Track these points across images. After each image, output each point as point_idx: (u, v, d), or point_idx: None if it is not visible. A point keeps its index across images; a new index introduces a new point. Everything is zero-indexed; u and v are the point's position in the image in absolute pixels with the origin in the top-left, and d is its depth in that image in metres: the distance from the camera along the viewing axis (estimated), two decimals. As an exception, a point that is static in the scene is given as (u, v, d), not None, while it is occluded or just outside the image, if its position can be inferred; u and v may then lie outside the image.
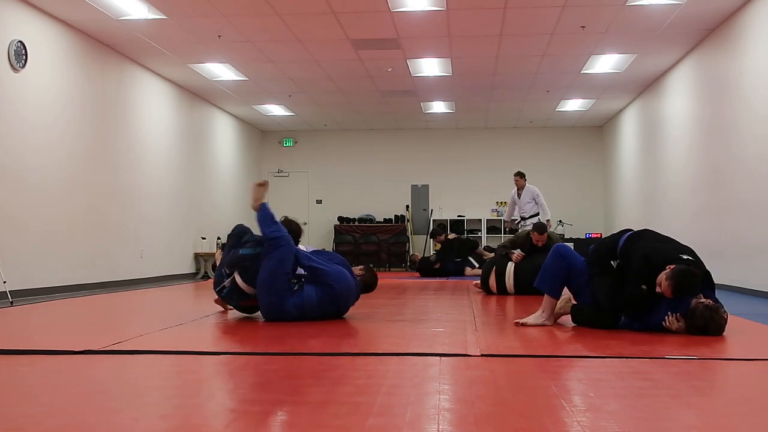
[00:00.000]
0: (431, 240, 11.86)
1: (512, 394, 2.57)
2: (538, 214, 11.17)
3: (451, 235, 11.83)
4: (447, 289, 8.29)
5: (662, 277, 3.98)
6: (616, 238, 4.47)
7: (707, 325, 3.97)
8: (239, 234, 5.12)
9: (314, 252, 5.11)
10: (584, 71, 10.92)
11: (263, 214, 4.89)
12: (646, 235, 4.45)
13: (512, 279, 7.29)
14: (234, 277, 4.83)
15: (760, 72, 7.56)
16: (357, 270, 5.10)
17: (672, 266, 3.98)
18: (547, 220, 10.96)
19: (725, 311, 4.05)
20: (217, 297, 5.24)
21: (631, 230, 4.54)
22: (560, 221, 14.61)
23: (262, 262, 4.72)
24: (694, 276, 3.96)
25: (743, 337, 4.06)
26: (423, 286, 8.82)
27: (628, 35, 9.06)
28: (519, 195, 11.40)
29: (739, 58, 8.12)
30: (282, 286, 4.68)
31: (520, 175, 11.50)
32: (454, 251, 11.54)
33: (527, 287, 7.03)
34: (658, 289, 4.01)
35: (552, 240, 7.50)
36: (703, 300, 4.02)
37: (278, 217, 5.01)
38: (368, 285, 5.14)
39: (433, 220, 16.08)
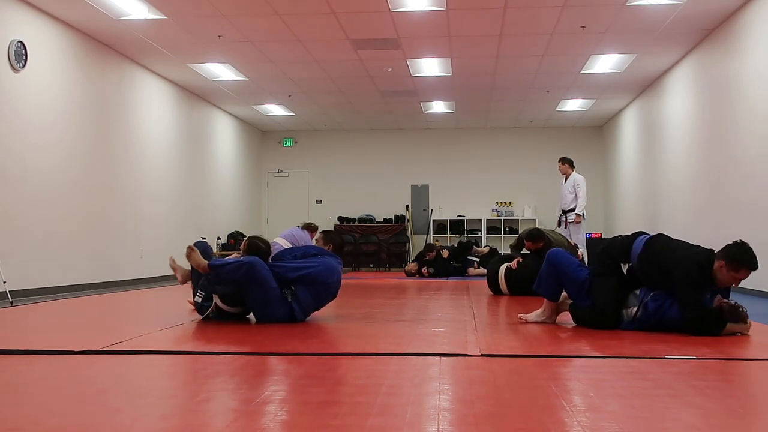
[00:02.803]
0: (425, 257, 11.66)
1: (512, 394, 2.57)
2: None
3: (444, 252, 11.63)
4: (447, 289, 8.29)
5: (721, 270, 4.01)
6: (630, 241, 4.42)
7: (734, 316, 4.06)
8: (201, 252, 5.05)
9: (285, 253, 5.06)
10: (584, 71, 10.92)
11: (217, 267, 4.63)
12: (670, 242, 4.37)
13: (505, 283, 7.35)
14: (216, 303, 4.77)
15: (760, 72, 7.56)
16: (322, 245, 5.15)
17: (722, 261, 4.01)
18: (577, 215, 10.28)
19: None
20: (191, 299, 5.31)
21: (644, 233, 4.48)
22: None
23: (246, 293, 4.63)
24: (749, 247, 4.03)
25: (743, 337, 4.06)
26: (423, 286, 8.82)
27: (628, 35, 9.06)
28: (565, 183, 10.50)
29: (739, 58, 8.12)
30: (279, 301, 4.64)
31: (562, 161, 10.55)
32: (448, 263, 11.45)
33: (520, 289, 7.15)
34: (733, 284, 4.07)
35: (552, 245, 7.39)
36: (724, 300, 4.10)
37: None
38: (341, 248, 5.29)
39: (433, 220, 16.09)
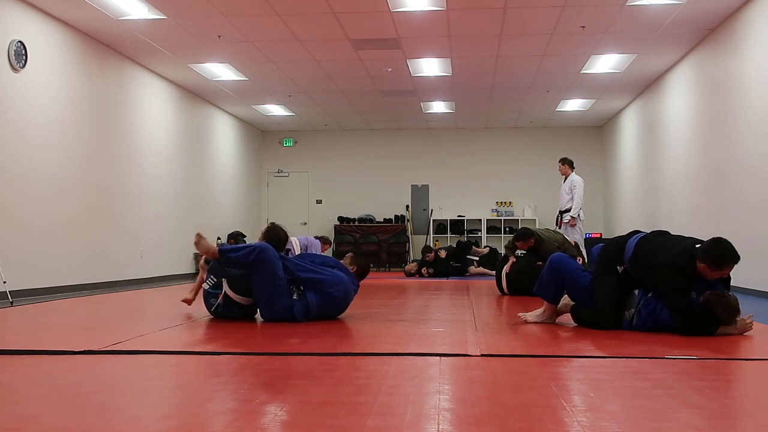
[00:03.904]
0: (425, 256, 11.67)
1: (512, 394, 2.57)
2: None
3: (442, 253, 11.64)
4: (447, 289, 8.29)
5: (706, 270, 3.98)
6: (624, 241, 4.40)
7: (721, 306, 4.00)
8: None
9: (305, 255, 5.12)
10: (584, 71, 10.92)
11: (228, 252, 4.69)
12: (657, 242, 4.31)
13: (505, 281, 7.43)
14: (225, 292, 4.78)
15: (760, 72, 7.56)
16: (347, 263, 5.14)
17: (703, 264, 3.97)
18: (572, 217, 10.24)
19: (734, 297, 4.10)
20: (186, 298, 5.40)
21: (639, 232, 4.45)
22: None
23: (252, 280, 4.67)
24: (727, 243, 3.99)
25: (743, 337, 4.06)
26: (423, 286, 8.82)
27: (628, 35, 9.06)
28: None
29: (739, 57, 8.12)
30: (284, 294, 4.66)
31: (562, 161, 10.60)
32: (448, 262, 11.44)
33: (517, 289, 7.24)
34: (715, 275, 4.02)
35: (543, 242, 7.43)
36: (709, 292, 4.06)
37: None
38: (363, 273, 5.26)
39: (433, 220, 16.09)
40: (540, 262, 7.14)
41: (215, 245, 4.87)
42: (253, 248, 4.63)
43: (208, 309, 4.93)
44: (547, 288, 4.64)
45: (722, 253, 3.97)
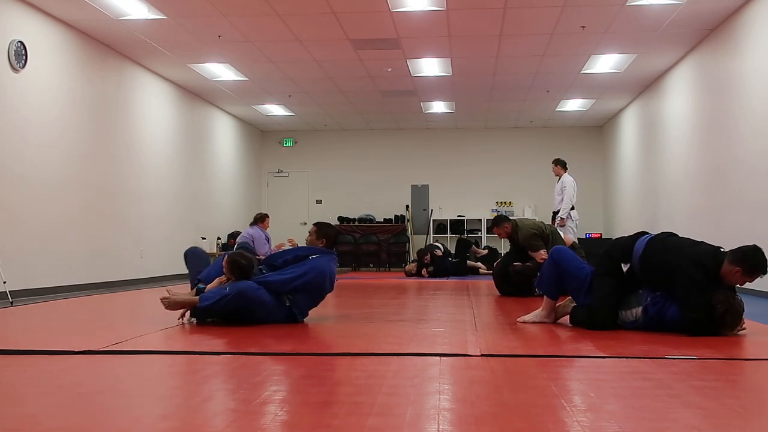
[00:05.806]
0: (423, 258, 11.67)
1: (512, 394, 2.57)
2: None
3: (438, 252, 11.63)
4: (447, 289, 8.29)
5: (735, 275, 3.97)
6: (632, 241, 4.37)
7: (729, 311, 3.98)
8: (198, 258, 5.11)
9: (275, 257, 5.01)
10: (584, 71, 10.92)
11: (208, 307, 4.62)
12: (675, 240, 4.29)
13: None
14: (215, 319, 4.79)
15: (760, 72, 7.57)
16: (315, 240, 4.94)
17: (737, 268, 3.96)
18: (561, 218, 10.15)
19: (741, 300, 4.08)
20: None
21: (647, 233, 4.42)
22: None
23: (245, 311, 4.66)
24: (763, 253, 3.98)
25: (743, 337, 4.06)
26: (423, 286, 8.82)
27: (628, 35, 9.06)
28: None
29: (739, 57, 8.12)
30: (276, 309, 4.66)
31: (555, 162, 10.54)
32: (446, 260, 11.45)
33: (502, 285, 7.30)
34: (740, 281, 4.00)
35: (519, 230, 7.26)
36: (719, 292, 4.04)
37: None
38: (334, 241, 5.01)
39: (433, 220, 16.09)
40: (517, 263, 7.12)
41: (188, 295, 4.73)
42: (232, 296, 4.53)
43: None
44: (547, 281, 4.62)
45: (758, 263, 3.96)
